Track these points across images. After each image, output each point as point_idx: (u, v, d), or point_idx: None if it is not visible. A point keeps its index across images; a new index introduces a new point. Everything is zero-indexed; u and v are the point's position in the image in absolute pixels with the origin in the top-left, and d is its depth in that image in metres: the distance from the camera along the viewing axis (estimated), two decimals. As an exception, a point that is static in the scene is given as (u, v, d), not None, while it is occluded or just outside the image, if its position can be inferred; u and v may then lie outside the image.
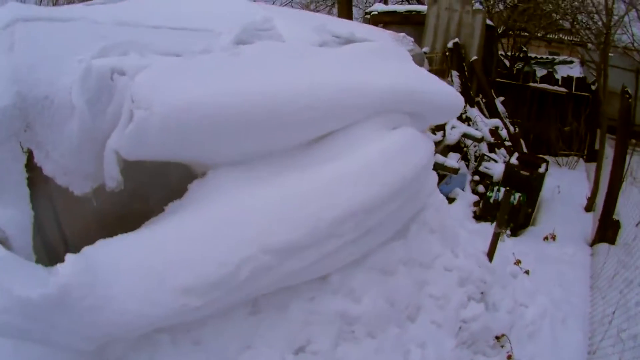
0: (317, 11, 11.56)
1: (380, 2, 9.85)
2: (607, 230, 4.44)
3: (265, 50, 2.02)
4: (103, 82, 1.59)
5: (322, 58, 2.08)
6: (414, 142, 2.17)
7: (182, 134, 1.60)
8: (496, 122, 6.76)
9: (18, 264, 1.35)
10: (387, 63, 2.22)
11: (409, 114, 2.30)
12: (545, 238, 4.69)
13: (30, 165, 1.53)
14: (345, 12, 9.98)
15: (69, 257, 1.38)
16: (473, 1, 8.52)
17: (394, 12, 8.13)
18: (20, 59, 1.61)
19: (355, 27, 2.95)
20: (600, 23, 6.19)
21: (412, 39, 3.35)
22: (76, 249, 1.52)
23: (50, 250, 1.62)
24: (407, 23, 7.56)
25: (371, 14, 8.03)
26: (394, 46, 2.64)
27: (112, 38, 1.83)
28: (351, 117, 1.93)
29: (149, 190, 1.79)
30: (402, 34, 3.28)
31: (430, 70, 3.07)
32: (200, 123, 1.61)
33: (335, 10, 11.51)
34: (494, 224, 3.22)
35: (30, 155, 1.54)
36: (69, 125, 1.53)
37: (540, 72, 9.05)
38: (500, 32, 9.55)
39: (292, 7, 11.03)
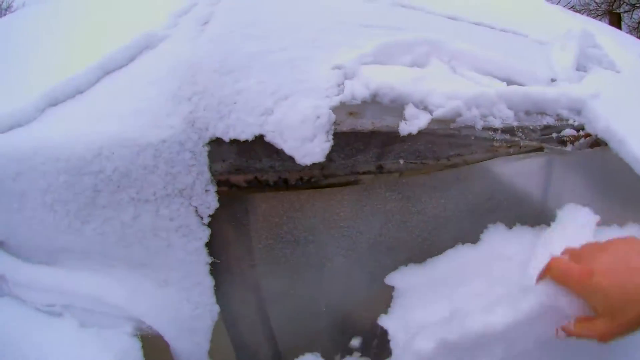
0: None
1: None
2: None
3: (612, 92, 0.98)
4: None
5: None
6: None
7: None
8: None
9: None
10: None
11: None
12: None
13: (219, 245, 0.84)
14: (615, 26, 9.08)
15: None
16: None
17: None
18: (210, 51, 0.84)
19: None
20: None
21: None
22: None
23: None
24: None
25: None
26: None
27: (393, 27, 0.98)
28: None
29: None
30: None
31: None
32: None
33: (606, 20, 10.18)
34: None
35: (222, 230, 0.82)
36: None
37: None
38: None
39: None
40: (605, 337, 0.58)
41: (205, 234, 0.80)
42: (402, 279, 0.83)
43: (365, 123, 0.78)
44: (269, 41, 0.88)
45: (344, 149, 0.77)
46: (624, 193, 0.95)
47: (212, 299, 0.83)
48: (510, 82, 0.94)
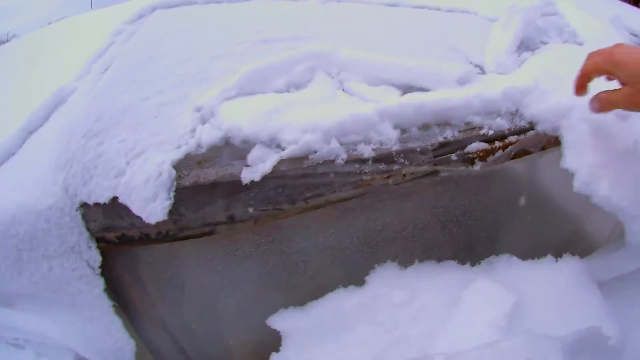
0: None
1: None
2: None
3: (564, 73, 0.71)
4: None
5: None
6: None
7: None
8: None
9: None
10: None
11: None
12: None
13: (122, 289, 0.90)
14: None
15: None
16: None
17: None
18: (88, 112, 0.86)
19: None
20: None
21: None
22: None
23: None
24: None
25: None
26: None
27: (298, 37, 0.93)
28: None
29: None
30: None
31: None
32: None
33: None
34: None
35: (121, 277, 0.88)
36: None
37: None
38: None
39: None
40: (629, 103, 0.65)
41: (100, 282, 0.86)
42: (283, 321, 0.79)
43: (209, 173, 0.74)
44: (148, 85, 0.88)
45: (191, 203, 0.74)
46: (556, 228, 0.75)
47: (126, 334, 0.90)
48: (411, 89, 0.79)
